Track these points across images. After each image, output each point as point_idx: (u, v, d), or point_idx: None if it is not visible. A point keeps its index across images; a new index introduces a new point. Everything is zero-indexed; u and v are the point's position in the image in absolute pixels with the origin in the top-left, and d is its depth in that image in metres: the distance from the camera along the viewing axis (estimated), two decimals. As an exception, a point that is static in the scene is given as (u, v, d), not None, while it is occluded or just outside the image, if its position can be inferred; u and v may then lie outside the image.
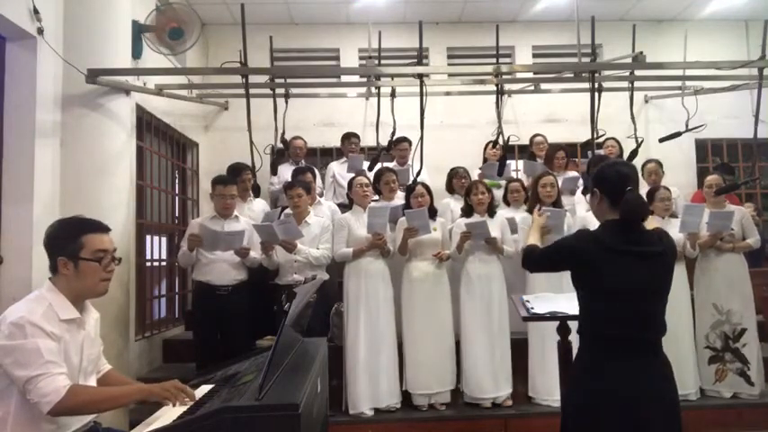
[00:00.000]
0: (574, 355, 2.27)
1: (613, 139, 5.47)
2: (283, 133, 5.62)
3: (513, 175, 5.66)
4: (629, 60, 5.51)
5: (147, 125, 5.01)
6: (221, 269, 3.95)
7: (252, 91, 4.45)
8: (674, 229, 4.20)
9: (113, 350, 3.84)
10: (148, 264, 5.06)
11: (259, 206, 4.84)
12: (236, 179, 4.33)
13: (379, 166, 4.75)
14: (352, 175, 4.60)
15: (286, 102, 5.75)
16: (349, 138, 5.69)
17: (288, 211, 4.31)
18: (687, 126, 5.19)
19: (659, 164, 5.00)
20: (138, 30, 4.51)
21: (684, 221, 4.10)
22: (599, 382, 1.98)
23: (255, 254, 4.00)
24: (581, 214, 4.50)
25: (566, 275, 2.21)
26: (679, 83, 5.83)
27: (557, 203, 4.23)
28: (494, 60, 4.86)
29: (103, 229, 2.08)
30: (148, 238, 5.10)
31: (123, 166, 4.22)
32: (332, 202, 4.96)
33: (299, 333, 2.66)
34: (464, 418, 3.92)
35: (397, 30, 6.09)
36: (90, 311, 2.11)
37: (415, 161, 4.80)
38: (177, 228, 5.84)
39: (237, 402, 1.69)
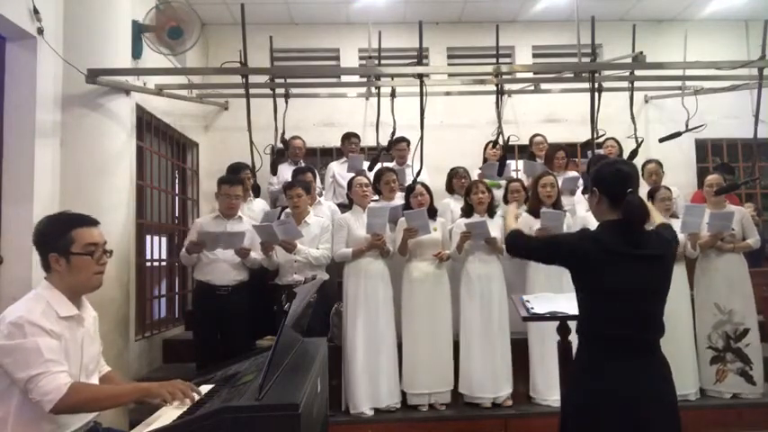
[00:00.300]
0: (574, 355, 2.27)
1: (613, 139, 5.47)
2: (283, 133, 5.62)
3: (513, 175, 5.66)
4: (629, 60, 5.51)
5: (147, 125, 5.01)
6: (222, 269, 3.95)
7: (252, 91, 4.45)
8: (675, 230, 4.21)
9: (113, 350, 3.84)
10: (148, 264, 5.06)
11: (259, 206, 4.85)
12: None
13: (378, 166, 4.75)
14: (352, 175, 4.60)
15: (286, 102, 5.75)
16: (349, 138, 5.69)
17: (288, 210, 4.31)
18: (687, 126, 5.19)
19: (659, 164, 5.00)
20: (138, 30, 4.51)
21: (685, 222, 4.10)
22: (599, 382, 1.98)
23: (256, 254, 4.00)
24: (581, 214, 4.51)
25: (566, 275, 2.21)
26: (679, 83, 5.83)
27: (557, 203, 4.23)
28: (494, 60, 4.86)
29: (92, 222, 2.08)
30: (148, 238, 5.10)
31: (123, 166, 4.22)
32: (332, 202, 4.96)
33: (299, 333, 2.66)
34: (464, 418, 3.92)
35: (397, 30, 6.09)
36: (88, 309, 2.11)
37: (414, 161, 4.80)
38: (177, 228, 5.85)
39: (237, 402, 1.69)
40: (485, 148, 5.70)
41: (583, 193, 4.79)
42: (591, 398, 1.99)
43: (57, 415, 1.85)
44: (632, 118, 5.04)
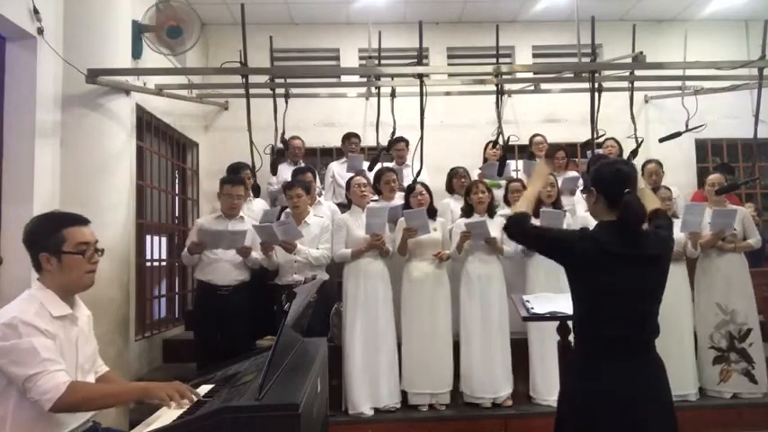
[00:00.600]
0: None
1: (613, 139, 5.46)
2: (283, 133, 5.62)
3: (513, 175, 5.66)
4: (629, 60, 5.51)
5: (147, 125, 5.02)
6: (224, 269, 3.95)
7: (252, 91, 4.45)
8: (675, 230, 4.20)
9: (113, 350, 3.84)
10: (148, 264, 5.06)
11: (259, 206, 4.86)
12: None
13: (378, 166, 4.76)
14: (352, 175, 4.60)
15: (286, 102, 5.75)
16: (349, 138, 5.69)
17: (287, 210, 4.31)
18: (687, 126, 5.20)
19: (659, 164, 5.00)
20: (138, 30, 4.51)
21: (686, 221, 4.10)
22: (595, 382, 1.98)
23: (257, 254, 4.00)
24: (581, 214, 4.51)
25: (565, 275, 2.20)
26: (679, 83, 5.83)
27: (557, 203, 4.23)
28: (494, 60, 4.86)
29: (83, 221, 2.06)
30: (148, 238, 5.10)
31: (123, 166, 4.22)
32: (332, 203, 4.96)
33: (299, 333, 2.66)
34: (464, 418, 3.92)
35: (397, 30, 6.09)
36: (81, 308, 2.10)
37: (414, 161, 4.80)
38: (177, 228, 5.85)
39: (237, 402, 1.69)
40: (485, 148, 5.70)
41: (583, 192, 4.79)
42: (587, 398, 1.99)
43: (55, 414, 1.85)
44: (632, 118, 5.04)
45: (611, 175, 2.08)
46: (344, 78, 6.20)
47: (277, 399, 1.66)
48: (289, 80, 5.78)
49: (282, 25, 6.47)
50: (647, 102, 6.64)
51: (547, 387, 3.97)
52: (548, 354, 3.81)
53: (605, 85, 4.96)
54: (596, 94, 4.57)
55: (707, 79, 5.36)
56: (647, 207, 2.15)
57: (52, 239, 1.97)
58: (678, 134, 5.31)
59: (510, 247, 4.17)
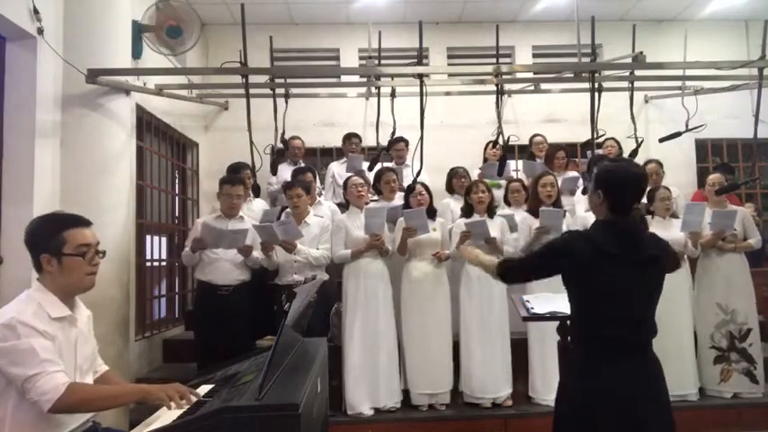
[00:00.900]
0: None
1: (613, 139, 5.47)
2: (283, 133, 5.62)
3: (513, 175, 5.66)
4: (629, 60, 5.51)
5: (147, 125, 5.01)
6: (224, 269, 3.95)
7: (252, 91, 4.45)
8: (675, 229, 4.20)
9: (113, 350, 3.84)
10: (148, 264, 5.06)
11: (259, 206, 4.86)
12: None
13: (379, 166, 4.76)
14: (349, 175, 4.60)
15: (286, 102, 5.75)
16: (350, 138, 5.70)
17: (288, 210, 4.31)
18: (687, 126, 5.19)
19: (660, 164, 5.00)
20: (138, 30, 4.51)
21: (686, 220, 4.10)
22: (593, 382, 1.98)
23: (257, 254, 4.00)
24: (581, 214, 4.51)
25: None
26: (679, 83, 5.83)
27: (557, 203, 4.23)
28: (494, 60, 4.86)
29: (85, 222, 2.05)
30: (148, 238, 5.10)
31: (123, 166, 4.22)
32: (332, 202, 4.96)
33: (299, 333, 2.66)
34: (464, 418, 3.92)
35: (397, 30, 6.09)
36: (81, 309, 2.10)
37: (414, 161, 4.81)
38: (177, 228, 5.85)
39: (237, 402, 1.69)
40: (485, 148, 5.70)
41: (583, 193, 4.79)
42: (586, 398, 1.99)
43: (54, 415, 1.85)
44: (632, 118, 5.04)
45: (619, 181, 2.04)
46: (344, 78, 6.20)
47: (277, 399, 1.66)
48: (289, 80, 5.78)
49: (282, 25, 6.47)
50: (647, 102, 6.64)
51: (547, 387, 3.97)
52: (548, 354, 3.81)
53: (605, 85, 4.96)
54: (596, 94, 4.57)
55: (707, 79, 5.36)
56: (488, 267, 2.33)
57: (53, 241, 1.96)
58: (678, 134, 5.31)
59: (510, 247, 4.17)
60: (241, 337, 3.91)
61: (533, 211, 4.18)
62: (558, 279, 2.33)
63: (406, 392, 4.02)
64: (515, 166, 6.08)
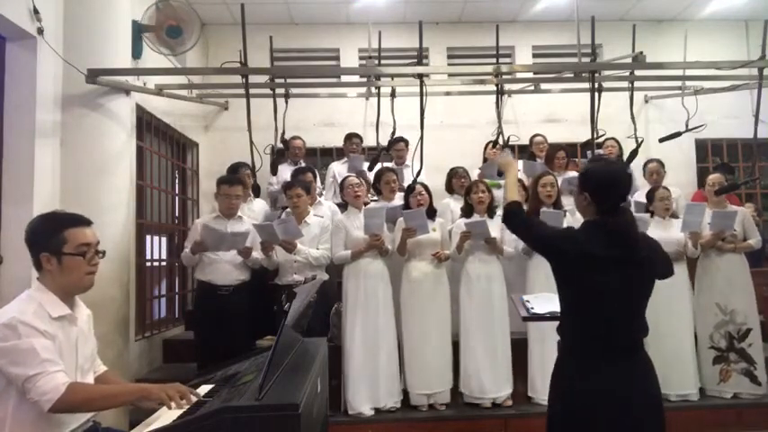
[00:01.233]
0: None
1: (613, 139, 5.47)
2: (283, 133, 5.62)
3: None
4: (629, 60, 5.50)
5: (147, 125, 5.02)
6: (224, 269, 3.95)
7: (252, 91, 4.45)
8: (675, 229, 4.20)
9: (113, 350, 3.84)
10: (148, 264, 5.06)
11: (259, 206, 4.85)
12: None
13: (379, 166, 4.75)
14: (346, 175, 4.60)
15: (286, 102, 5.75)
16: (351, 138, 5.70)
17: (288, 210, 4.31)
18: (687, 126, 5.19)
19: (661, 163, 5.00)
20: (138, 30, 4.51)
21: (686, 220, 4.10)
22: (585, 382, 1.99)
23: (257, 254, 4.00)
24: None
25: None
26: (679, 83, 5.83)
27: (557, 203, 4.23)
28: (494, 60, 4.87)
29: (85, 222, 2.05)
30: (148, 238, 5.10)
31: (123, 166, 4.22)
32: (332, 202, 4.96)
33: (299, 333, 2.66)
34: (464, 418, 3.92)
35: (397, 30, 6.09)
36: (81, 308, 2.10)
37: (414, 161, 4.80)
38: (177, 228, 5.85)
39: (237, 402, 1.69)
40: (485, 148, 5.70)
41: (570, 193, 4.79)
42: (577, 398, 2.00)
43: (55, 415, 1.85)
44: (632, 118, 5.04)
45: (603, 182, 2.06)
46: (344, 78, 6.20)
47: (277, 399, 1.66)
48: (289, 80, 5.78)
49: (282, 25, 6.47)
50: (647, 102, 6.64)
51: (547, 387, 3.92)
52: (548, 354, 3.80)
53: (605, 85, 4.96)
54: (596, 94, 4.57)
55: (707, 79, 5.36)
56: (507, 198, 2.25)
57: (53, 240, 1.96)
58: (678, 134, 5.31)
59: (510, 247, 4.17)
60: (241, 337, 3.91)
61: (534, 212, 4.17)
62: (557, 279, 2.33)
63: (405, 392, 4.02)
64: (515, 167, 6.06)
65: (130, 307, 4.36)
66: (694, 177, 6.50)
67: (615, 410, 1.94)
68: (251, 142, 4.30)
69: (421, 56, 4.62)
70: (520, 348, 4.11)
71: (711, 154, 6.76)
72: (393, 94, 5.48)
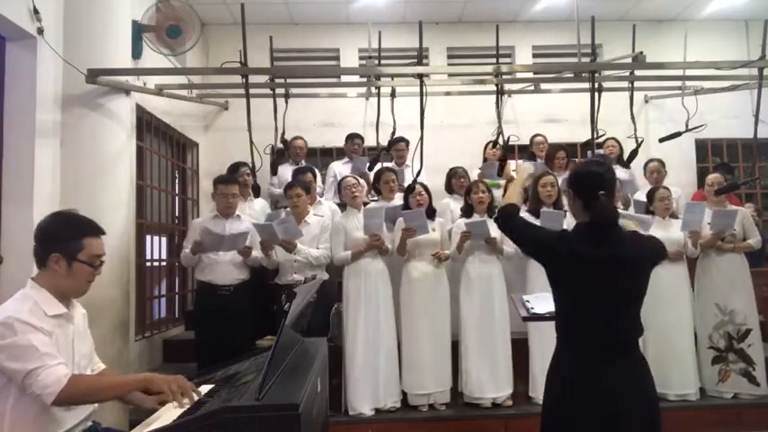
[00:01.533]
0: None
1: (613, 139, 5.47)
2: (283, 133, 5.62)
3: (513, 175, 5.65)
4: (629, 60, 5.51)
5: (147, 125, 5.02)
6: (224, 269, 3.95)
7: (252, 91, 4.45)
8: (675, 229, 4.20)
9: (113, 350, 3.84)
10: (148, 264, 5.06)
11: (259, 206, 4.85)
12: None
13: (379, 166, 4.75)
14: (343, 176, 4.61)
15: (286, 102, 5.75)
16: (352, 138, 5.70)
17: (288, 210, 4.31)
18: (687, 126, 5.19)
19: (662, 163, 5.00)
20: (138, 30, 4.51)
21: (686, 219, 4.10)
22: (579, 382, 1.99)
23: (257, 253, 4.00)
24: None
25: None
26: (679, 83, 5.83)
27: (557, 203, 4.23)
28: (494, 60, 4.86)
29: (102, 232, 2.10)
30: (148, 238, 5.10)
31: (123, 166, 4.22)
32: (332, 202, 4.96)
33: (299, 333, 2.66)
34: (464, 418, 3.92)
35: (397, 30, 6.09)
36: (76, 306, 2.11)
37: (414, 161, 4.81)
38: (177, 228, 5.85)
39: (237, 402, 1.69)
40: (485, 148, 5.70)
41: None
42: (570, 398, 2.00)
43: (54, 412, 1.86)
44: (632, 118, 5.04)
45: (584, 176, 2.09)
46: (344, 78, 6.20)
47: (277, 399, 1.66)
48: (289, 80, 5.78)
49: (282, 25, 6.47)
50: (647, 102, 6.63)
51: (547, 387, 3.97)
52: (548, 354, 3.76)
53: (605, 85, 4.96)
54: (596, 94, 4.57)
55: (707, 79, 5.36)
56: (506, 200, 2.28)
57: (71, 244, 1.99)
58: (678, 134, 5.31)
59: (510, 247, 4.17)
60: (241, 337, 3.91)
61: (534, 212, 4.18)
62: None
63: (405, 392, 4.02)
64: (515, 167, 6.07)
65: (130, 307, 4.36)
66: (694, 177, 6.50)
67: (608, 411, 1.94)
68: (251, 142, 4.30)
69: (421, 56, 4.62)
70: (520, 348, 4.11)
71: (711, 154, 6.76)
72: (393, 94, 5.48)
